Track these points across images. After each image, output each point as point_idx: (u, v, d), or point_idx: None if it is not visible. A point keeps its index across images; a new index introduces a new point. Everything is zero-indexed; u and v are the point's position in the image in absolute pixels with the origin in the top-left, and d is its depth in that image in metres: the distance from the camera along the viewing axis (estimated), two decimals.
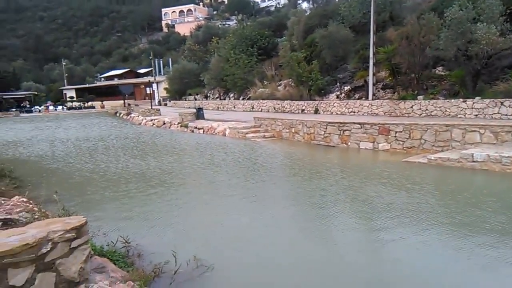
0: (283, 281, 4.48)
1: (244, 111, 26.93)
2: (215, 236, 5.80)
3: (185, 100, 40.79)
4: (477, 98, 13.34)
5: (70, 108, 57.60)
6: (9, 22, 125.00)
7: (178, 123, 22.14)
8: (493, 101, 12.69)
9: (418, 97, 15.35)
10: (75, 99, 63.12)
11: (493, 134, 9.66)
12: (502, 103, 12.44)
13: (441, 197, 7.16)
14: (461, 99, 13.74)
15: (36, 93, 64.42)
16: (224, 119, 20.99)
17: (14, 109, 54.81)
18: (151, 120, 26.22)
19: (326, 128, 13.44)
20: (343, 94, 20.07)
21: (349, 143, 12.72)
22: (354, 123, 12.70)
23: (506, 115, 12.27)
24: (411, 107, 15.28)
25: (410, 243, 5.17)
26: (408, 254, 4.92)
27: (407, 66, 16.09)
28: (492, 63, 13.74)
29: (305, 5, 44.99)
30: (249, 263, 4.92)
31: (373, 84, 17.54)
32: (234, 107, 29.44)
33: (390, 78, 17.60)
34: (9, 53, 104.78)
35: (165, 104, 46.83)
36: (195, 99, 36.74)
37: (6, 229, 4.65)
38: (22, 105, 59.13)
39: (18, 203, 5.92)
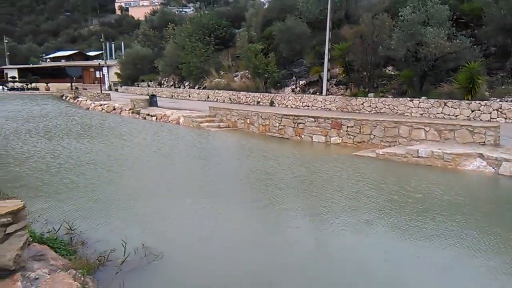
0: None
1: (199, 100, 26.50)
2: (164, 223, 5.64)
3: (138, 86, 39.42)
4: (423, 98, 14.03)
5: (11, 89, 53.62)
6: None
7: (130, 109, 21.35)
8: (437, 101, 13.45)
9: (369, 94, 15.89)
10: (17, 79, 58.85)
11: (437, 132, 10.20)
12: (445, 104, 13.23)
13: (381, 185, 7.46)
14: (408, 98, 14.40)
15: None
16: (178, 108, 20.51)
17: None
18: (100, 105, 25.06)
19: (281, 121, 13.53)
20: (298, 88, 20.33)
21: (303, 136, 12.91)
22: (308, 116, 12.88)
23: (448, 114, 13.07)
24: (362, 103, 15.81)
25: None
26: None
27: (359, 64, 16.62)
28: (438, 65, 14.50)
29: None
30: (198, 249, 4.83)
31: (327, 80, 17.93)
32: (189, 96, 28.90)
33: (343, 75, 18.08)
34: None
35: (116, 90, 44.94)
36: (149, 86, 35.64)
37: None
38: None
39: None
